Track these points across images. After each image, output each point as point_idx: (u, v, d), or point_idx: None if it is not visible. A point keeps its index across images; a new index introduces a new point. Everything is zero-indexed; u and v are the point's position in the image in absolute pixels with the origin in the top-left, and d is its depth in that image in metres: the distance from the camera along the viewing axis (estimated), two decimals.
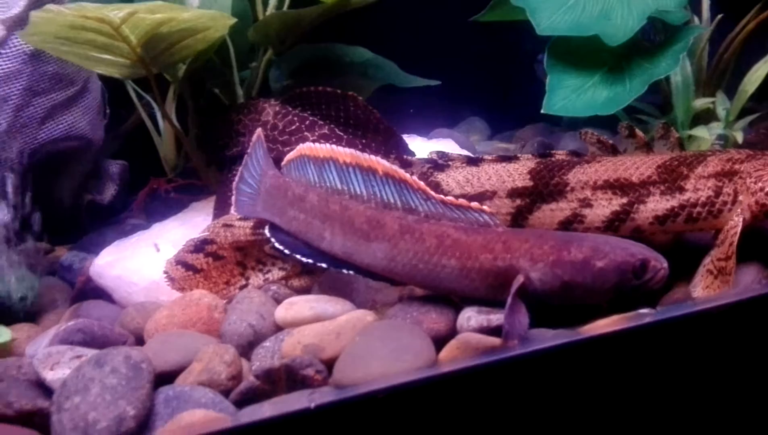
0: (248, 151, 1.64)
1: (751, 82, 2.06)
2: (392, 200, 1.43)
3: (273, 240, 1.54)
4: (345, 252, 1.48)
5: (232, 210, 1.64)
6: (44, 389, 1.29)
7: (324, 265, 1.50)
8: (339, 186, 1.48)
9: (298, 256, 1.51)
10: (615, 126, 1.84)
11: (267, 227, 1.57)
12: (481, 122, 2.88)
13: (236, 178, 1.64)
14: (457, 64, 2.66)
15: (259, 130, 1.62)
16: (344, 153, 1.45)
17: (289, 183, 1.55)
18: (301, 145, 1.52)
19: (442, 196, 1.40)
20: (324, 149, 1.48)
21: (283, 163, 1.57)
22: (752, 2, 2.13)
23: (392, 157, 1.66)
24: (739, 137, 2.01)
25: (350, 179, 1.46)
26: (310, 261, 1.51)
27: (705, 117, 2.06)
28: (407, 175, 1.41)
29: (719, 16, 2.14)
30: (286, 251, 1.53)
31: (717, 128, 2.00)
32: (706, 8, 2.15)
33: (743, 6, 2.17)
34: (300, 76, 2.18)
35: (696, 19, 2.15)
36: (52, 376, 1.30)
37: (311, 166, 1.50)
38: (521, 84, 2.45)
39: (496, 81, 2.74)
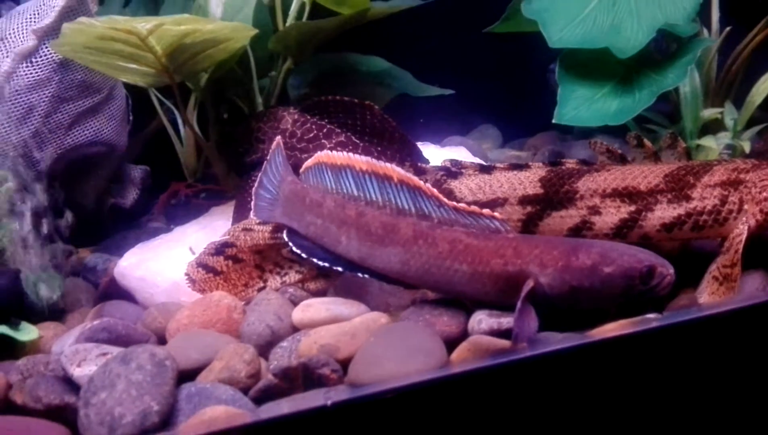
0: (267, 157, 1.67)
1: (759, 93, 2.08)
2: (406, 206, 1.46)
3: (290, 244, 1.57)
4: (360, 256, 1.51)
5: (251, 214, 1.67)
6: (71, 385, 1.32)
7: (340, 269, 1.53)
8: (355, 192, 1.51)
9: (314, 260, 1.55)
10: (626, 135, 1.88)
11: (285, 232, 1.60)
12: (493, 130, 2.89)
13: (256, 184, 1.67)
14: (471, 73, 2.69)
15: (278, 138, 1.65)
16: (361, 160, 1.48)
17: (307, 189, 1.58)
18: (318, 152, 1.55)
19: (454, 202, 1.42)
20: (341, 157, 1.51)
21: (301, 170, 1.60)
22: (761, 14, 2.15)
23: (407, 165, 1.69)
24: (747, 147, 2.02)
25: (366, 186, 1.49)
26: (326, 264, 1.54)
27: (713, 127, 2.08)
28: (421, 183, 1.44)
29: (727, 29, 2.16)
30: (303, 255, 1.56)
31: (725, 138, 2.02)
32: (716, 20, 2.17)
33: (753, 18, 2.18)
34: (318, 85, 2.22)
35: (705, 31, 2.17)
36: (79, 372, 1.32)
37: (328, 173, 1.53)
38: (533, 93, 2.48)
39: (509, 90, 2.76)
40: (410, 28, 2.45)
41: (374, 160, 1.47)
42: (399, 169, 1.45)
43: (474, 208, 1.42)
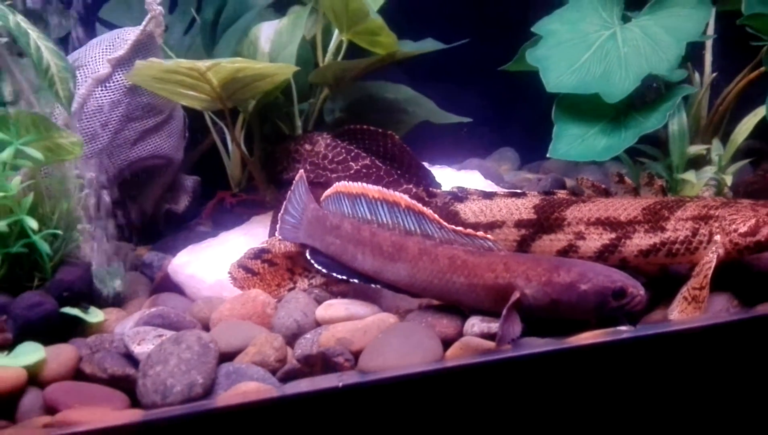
0: (291, 187, 1.82)
1: (741, 132, 2.21)
2: (413, 228, 1.63)
3: (313, 262, 1.74)
4: (374, 270, 1.67)
5: (277, 235, 1.83)
6: (131, 360, 1.49)
7: (356, 281, 1.70)
8: (368, 216, 1.67)
9: (334, 274, 1.72)
10: (633, 162, 2.01)
11: (308, 251, 1.77)
12: (512, 152, 3.02)
13: (281, 210, 1.83)
14: (494, 100, 2.82)
15: (301, 171, 1.82)
16: (373, 190, 1.66)
17: (327, 214, 1.74)
18: (336, 183, 1.72)
19: (453, 226, 1.60)
20: (356, 186, 1.69)
21: (321, 198, 1.77)
22: (750, 58, 2.28)
23: (420, 188, 1.87)
24: (729, 181, 2.15)
25: (378, 211, 1.66)
26: (345, 277, 1.71)
27: (701, 162, 2.21)
28: (425, 208, 1.61)
29: (713, 75, 2.28)
30: (324, 270, 1.73)
31: (708, 172, 2.15)
32: (708, 63, 2.30)
33: (742, 62, 2.30)
34: (351, 110, 2.36)
35: (697, 74, 2.30)
36: (139, 349, 1.50)
37: (345, 201, 1.70)
38: (550, 119, 2.59)
39: (528, 115, 2.90)
40: (440, 62, 2.60)
41: (384, 189, 1.64)
42: (406, 197, 1.63)
43: (469, 230, 1.59)
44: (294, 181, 1.83)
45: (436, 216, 1.61)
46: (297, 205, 1.82)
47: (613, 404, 1.45)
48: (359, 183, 1.69)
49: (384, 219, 1.67)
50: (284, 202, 1.83)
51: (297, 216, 1.81)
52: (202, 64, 1.84)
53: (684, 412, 1.49)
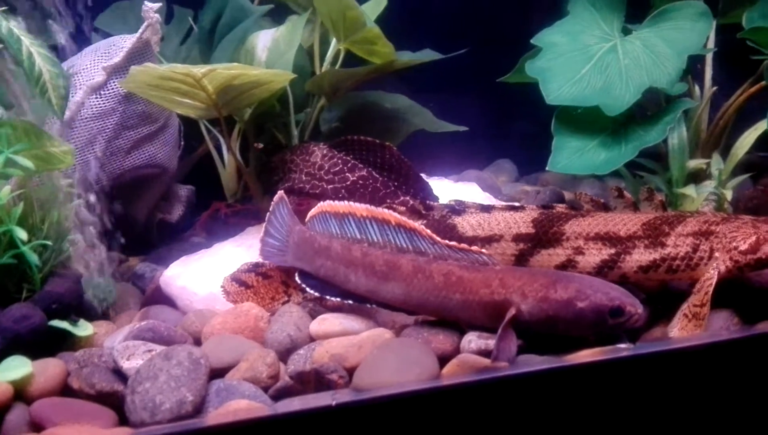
0: (270, 209, 1.79)
1: (742, 146, 2.20)
2: (405, 245, 1.61)
3: (304, 285, 1.72)
4: (368, 290, 1.65)
5: (259, 257, 1.81)
6: (120, 375, 1.48)
7: (350, 302, 1.68)
8: (358, 236, 1.65)
9: (327, 297, 1.70)
10: (633, 175, 2.00)
11: (297, 274, 1.74)
12: (510, 164, 3.04)
13: (262, 233, 1.80)
14: (493, 111, 2.86)
15: (281, 192, 1.80)
16: (360, 208, 1.64)
17: (315, 236, 1.72)
18: (320, 203, 1.70)
19: (446, 241, 1.58)
20: (343, 205, 1.66)
21: (306, 219, 1.74)
22: (750, 72, 2.28)
23: (417, 201, 1.85)
24: (729, 195, 2.14)
25: (368, 230, 1.63)
26: (338, 299, 1.69)
27: (701, 175, 2.20)
28: (416, 224, 1.59)
29: (713, 89, 2.28)
30: (316, 294, 1.71)
31: (708, 186, 2.14)
32: (708, 78, 2.30)
33: (743, 76, 2.31)
34: (347, 119, 2.36)
35: (697, 87, 2.30)
36: (128, 365, 1.48)
37: (333, 220, 1.68)
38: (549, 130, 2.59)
39: (527, 126, 2.92)
40: (440, 73, 2.60)
41: (372, 207, 1.62)
42: (395, 214, 1.61)
43: (463, 245, 1.57)
44: (273, 203, 1.81)
45: (428, 231, 1.59)
46: (280, 227, 1.80)
47: (611, 423, 1.44)
48: (345, 202, 1.66)
49: (375, 237, 1.65)
50: (264, 225, 1.81)
51: (281, 239, 1.80)
52: (198, 70, 1.83)
53: (684, 431, 1.48)
